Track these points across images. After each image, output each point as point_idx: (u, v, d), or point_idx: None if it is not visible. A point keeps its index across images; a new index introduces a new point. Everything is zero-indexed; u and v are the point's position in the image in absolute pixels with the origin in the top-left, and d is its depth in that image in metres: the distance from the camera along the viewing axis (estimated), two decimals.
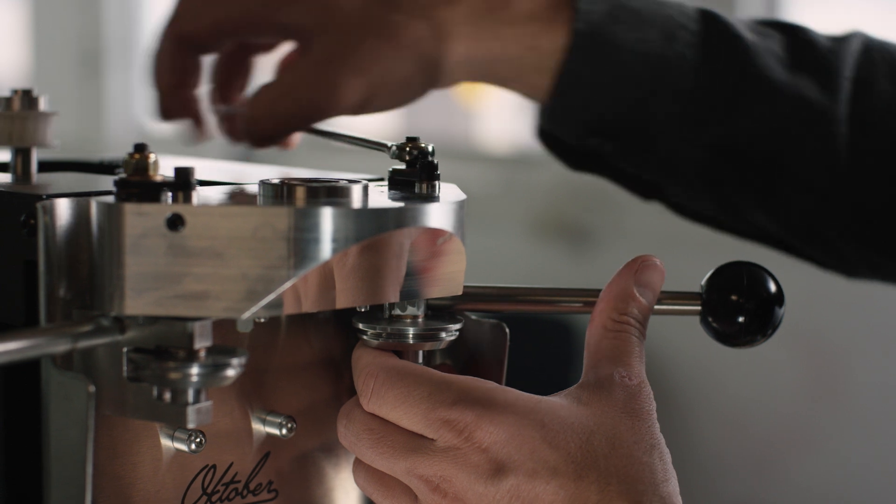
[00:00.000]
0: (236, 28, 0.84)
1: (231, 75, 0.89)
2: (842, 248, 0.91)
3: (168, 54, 0.85)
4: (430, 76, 0.83)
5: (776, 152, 0.87)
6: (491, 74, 0.85)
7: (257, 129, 0.82)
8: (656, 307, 0.73)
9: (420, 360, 0.72)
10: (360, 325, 0.71)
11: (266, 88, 0.82)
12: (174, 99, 0.86)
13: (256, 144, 0.84)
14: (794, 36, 0.89)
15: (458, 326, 0.72)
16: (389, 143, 0.76)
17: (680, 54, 0.85)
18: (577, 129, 0.87)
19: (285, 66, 0.90)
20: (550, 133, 0.91)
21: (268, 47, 0.89)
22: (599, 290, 0.72)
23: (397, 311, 0.71)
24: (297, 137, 0.88)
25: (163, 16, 0.86)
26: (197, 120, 0.88)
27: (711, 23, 0.86)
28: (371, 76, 0.80)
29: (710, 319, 0.73)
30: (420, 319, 0.71)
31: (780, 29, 0.89)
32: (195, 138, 0.88)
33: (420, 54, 0.81)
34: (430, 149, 0.75)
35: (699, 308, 0.73)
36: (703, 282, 0.74)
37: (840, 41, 0.89)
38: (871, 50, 0.89)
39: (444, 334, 0.71)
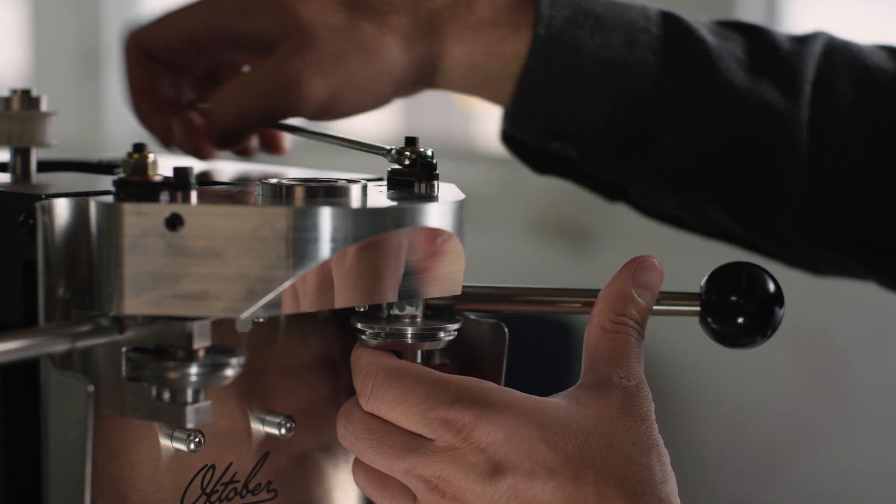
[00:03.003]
0: (198, 41, 0.83)
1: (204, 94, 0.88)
2: (804, 248, 0.91)
3: (132, 65, 0.85)
4: (394, 82, 0.83)
5: (738, 156, 0.87)
6: (454, 81, 0.85)
7: (218, 123, 0.82)
8: (655, 308, 0.72)
9: (419, 360, 0.72)
10: (359, 325, 0.71)
11: (229, 84, 0.82)
12: (145, 104, 0.85)
13: (218, 143, 0.83)
14: (756, 38, 0.89)
15: (456, 326, 0.72)
16: (388, 147, 0.76)
17: (641, 59, 0.85)
18: (540, 133, 0.88)
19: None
20: (514, 137, 0.91)
21: (237, 67, 0.88)
22: (598, 291, 0.72)
23: (396, 311, 0.71)
24: (256, 142, 0.87)
25: (129, 25, 0.85)
26: (167, 128, 0.86)
27: (672, 26, 0.86)
28: (334, 77, 0.80)
29: (709, 320, 0.73)
30: (419, 319, 0.71)
31: (742, 31, 0.89)
32: (165, 144, 0.86)
33: (384, 60, 0.81)
34: (429, 153, 0.74)
35: (698, 309, 0.73)
36: (703, 282, 0.74)
37: (802, 42, 0.89)
38: (833, 52, 0.89)
39: (442, 334, 0.71)
